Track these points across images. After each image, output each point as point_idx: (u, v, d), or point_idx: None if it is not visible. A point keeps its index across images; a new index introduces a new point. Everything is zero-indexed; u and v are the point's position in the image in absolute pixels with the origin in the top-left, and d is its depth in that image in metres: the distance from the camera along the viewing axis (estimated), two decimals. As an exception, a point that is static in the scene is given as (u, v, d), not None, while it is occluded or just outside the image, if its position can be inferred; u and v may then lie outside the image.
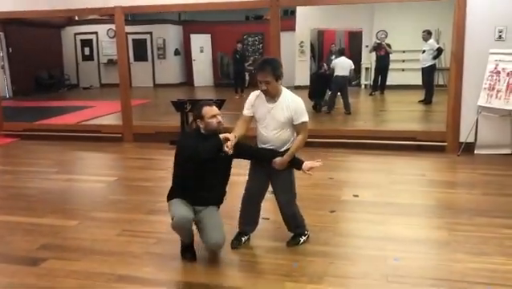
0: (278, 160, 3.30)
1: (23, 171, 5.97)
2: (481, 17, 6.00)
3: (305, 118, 3.33)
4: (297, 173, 3.45)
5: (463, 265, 3.19)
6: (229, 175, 3.41)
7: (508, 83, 5.86)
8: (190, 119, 6.38)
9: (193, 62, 16.47)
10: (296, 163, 3.36)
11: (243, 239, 3.56)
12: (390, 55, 12.33)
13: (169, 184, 3.38)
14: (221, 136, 3.17)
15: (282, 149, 3.35)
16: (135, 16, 15.74)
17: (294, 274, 3.12)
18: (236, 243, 3.51)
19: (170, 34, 16.79)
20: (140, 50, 16.69)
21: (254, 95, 3.42)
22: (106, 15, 11.70)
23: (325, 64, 10.89)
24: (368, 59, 14.06)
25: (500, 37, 6.00)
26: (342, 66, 9.46)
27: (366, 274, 3.11)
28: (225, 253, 3.42)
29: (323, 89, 9.94)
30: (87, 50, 17.30)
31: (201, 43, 16.46)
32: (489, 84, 5.98)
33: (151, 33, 16.66)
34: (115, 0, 7.21)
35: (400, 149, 6.45)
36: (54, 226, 4.05)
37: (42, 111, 10.61)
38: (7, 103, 11.62)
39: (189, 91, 15.17)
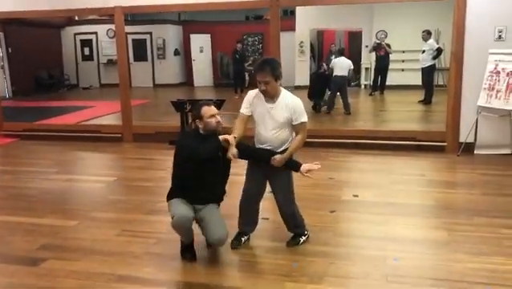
0: (277, 156, 3.30)
1: (23, 171, 5.97)
2: (480, 17, 6.00)
3: (304, 118, 3.33)
4: (297, 174, 3.45)
5: (462, 265, 3.19)
6: (228, 174, 3.42)
7: (508, 83, 5.87)
8: (190, 119, 6.38)
9: (193, 62, 16.48)
10: (294, 165, 3.36)
11: (243, 239, 3.56)
12: (390, 55, 12.34)
13: (169, 184, 3.39)
14: (221, 137, 3.18)
15: (280, 149, 3.35)
16: (135, 16, 15.75)
17: (294, 274, 3.13)
18: (236, 243, 3.51)
19: (170, 34, 16.80)
20: (140, 51, 16.70)
21: (253, 93, 3.41)
22: (106, 15, 11.70)
23: (324, 64, 10.89)
24: (368, 59, 14.07)
25: (500, 37, 6.01)
26: (341, 66, 9.46)
27: (366, 274, 3.11)
28: (225, 253, 3.43)
29: (322, 89, 9.94)
30: (86, 51, 17.31)
31: (200, 43, 16.47)
32: (489, 84, 5.99)
33: (151, 33, 16.66)
34: (115, 0, 7.21)
35: (400, 149, 6.45)
36: (54, 226, 4.05)
37: (42, 112, 10.61)
38: (7, 103, 11.63)
39: (189, 92, 15.17)
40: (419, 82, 10.84)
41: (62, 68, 17.09)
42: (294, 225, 3.57)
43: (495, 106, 5.95)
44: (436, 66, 11.07)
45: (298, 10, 14.13)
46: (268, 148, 3.37)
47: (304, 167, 3.33)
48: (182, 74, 17.21)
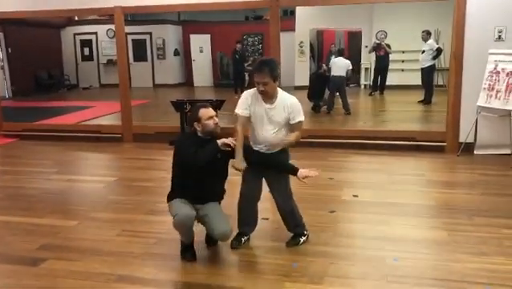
0: (278, 138, 3.30)
1: (23, 171, 5.97)
2: (480, 17, 6.01)
3: (301, 117, 3.34)
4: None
5: (462, 265, 3.20)
6: (227, 174, 3.42)
7: (507, 83, 5.87)
8: (186, 121, 6.37)
9: (193, 62, 16.48)
10: (291, 169, 3.35)
11: (243, 239, 3.56)
12: (389, 56, 12.34)
13: (169, 184, 3.39)
14: (220, 142, 3.17)
15: (277, 150, 3.36)
16: (134, 16, 15.76)
17: (294, 274, 3.13)
18: (236, 243, 3.51)
19: (170, 35, 16.80)
20: (140, 51, 16.70)
21: (249, 94, 3.39)
22: (106, 15, 11.71)
23: (324, 64, 10.90)
24: (368, 60, 14.08)
25: (499, 37, 6.01)
26: (339, 66, 9.45)
27: (366, 274, 3.11)
28: (225, 253, 3.44)
29: (322, 90, 9.94)
30: (86, 51, 17.32)
31: (200, 43, 16.47)
32: (489, 84, 5.99)
33: (150, 33, 16.67)
34: (114, 0, 7.22)
35: (400, 149, 6.45)
36: (54, 226, 4.05)
37: (42, 112, 10.61)
38: (7, 103, 11.63)
39: (189, 92, 15.18)
40: (419, 82, 10.85)
41: (62, 68, 17.10)
42: (294, 224, 3.57)
43: (495, 106, 5.95)
44: (436, 66, 11.08)
45: (298, 10, 14.14)
46: (264, 148, 3.37)
47: (302, 172, 3.28)
48: (182, 74, 17.22)
